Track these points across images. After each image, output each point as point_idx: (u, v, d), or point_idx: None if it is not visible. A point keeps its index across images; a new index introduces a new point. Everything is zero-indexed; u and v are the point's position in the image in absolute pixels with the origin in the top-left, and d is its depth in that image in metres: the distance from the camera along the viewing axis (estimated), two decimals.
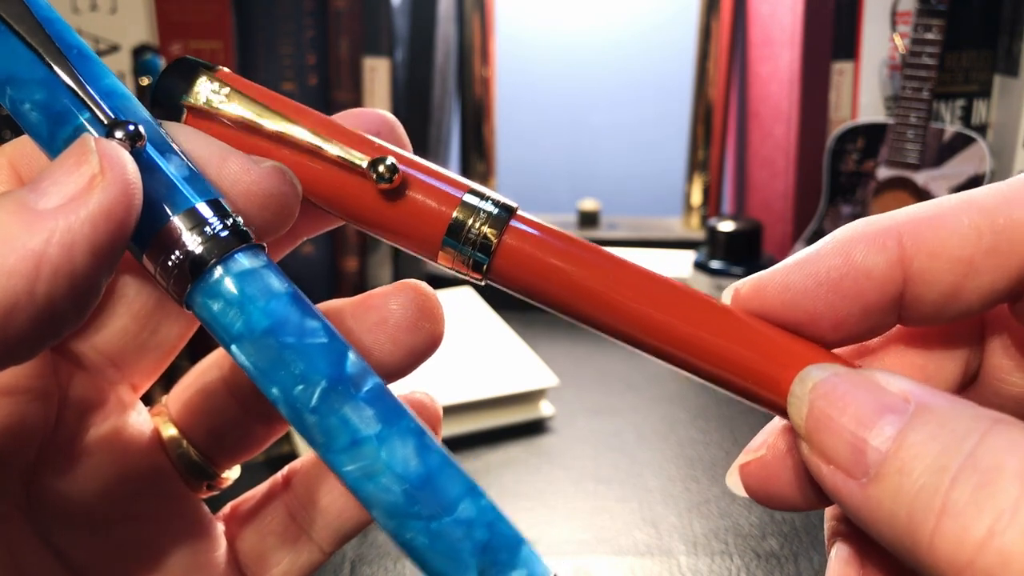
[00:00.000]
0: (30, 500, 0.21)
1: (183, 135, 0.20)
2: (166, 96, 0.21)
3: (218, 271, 0.18)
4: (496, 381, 0.68)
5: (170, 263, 0.18)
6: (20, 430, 0.20)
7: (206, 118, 0.21)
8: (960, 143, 0.82)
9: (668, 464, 0.65)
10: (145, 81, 0.64)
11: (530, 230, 0.21)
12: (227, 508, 0.25)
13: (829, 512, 0.21)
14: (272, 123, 0.21)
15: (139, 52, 0.65)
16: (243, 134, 0.21)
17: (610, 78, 1.06)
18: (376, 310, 0.22)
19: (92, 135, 0.18)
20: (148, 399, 0.24)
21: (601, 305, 0.20)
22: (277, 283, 0.19)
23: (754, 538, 0.56)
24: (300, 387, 0.18)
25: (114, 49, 0.84)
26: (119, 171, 0.17)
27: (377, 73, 0.90)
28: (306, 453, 0.25)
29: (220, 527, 0.25)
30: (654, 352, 0.21)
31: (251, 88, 0.22)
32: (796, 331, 0.20)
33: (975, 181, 0.82)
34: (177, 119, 0.21)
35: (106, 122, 0.18)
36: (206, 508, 0.25)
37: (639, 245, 0.96)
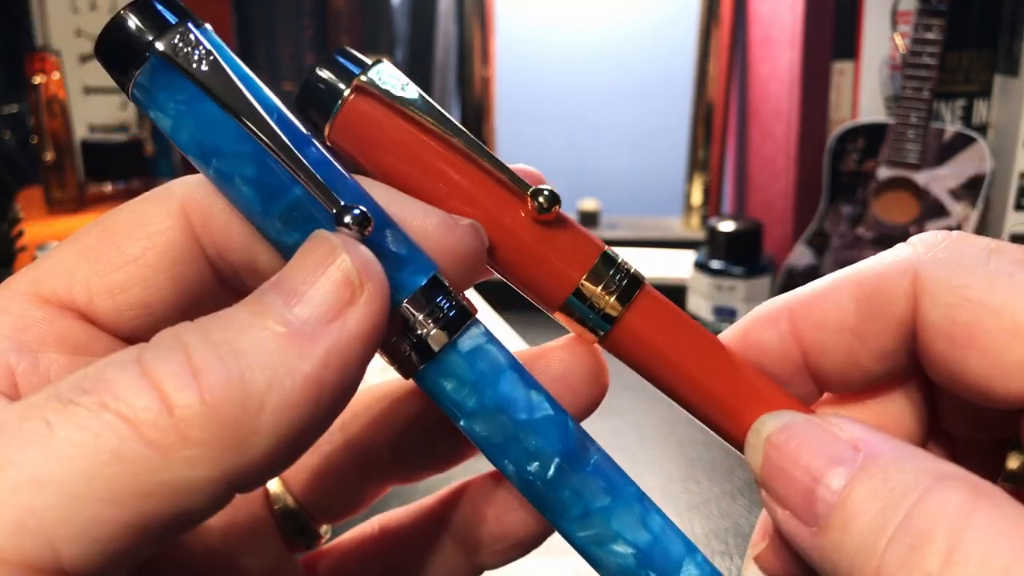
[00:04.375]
0: None
1: (378, 193, 0.19)
2: (334, 71, 0.20)
3: (450, 351, 0.18)
4: None
5: (403, 347, 0.18)
6: None
7: (371, 99, 0.20)
8: (961, 143, 0.82)
9: (668, 464, 0.64)
10: None
11: (654, 310, 0.21)
12: (313, 555, 0.25)
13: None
14: (449, 132, 0.20)
15: None
16: (404, 125, 0.20)
17: (610, 78, 1.05)
18: (558, 363, 0.22)
19: (328, 233, 0.17)
20: None
21: (701, 398, 0.21)
22: (501, 356, 0.19)
23: None
24: (535, 464, 0.19)
25: None
26: (377, 279, 0.17)
27: None
28: (402, 509, 0.24)
29: None
30: (731, 440, 0.21)
31: (427, 97, 0.21)
32: None
33: (976, 181, 0.82)
34: (333, 101, 0.20)
35: (333, 209, 0.17)
36: (300, 566, 0.24)
37: (639, 245, 0.96)
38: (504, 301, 0.71)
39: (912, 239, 0.20)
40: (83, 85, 0.93)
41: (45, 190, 0.85)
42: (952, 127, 0.83)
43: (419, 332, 0.18)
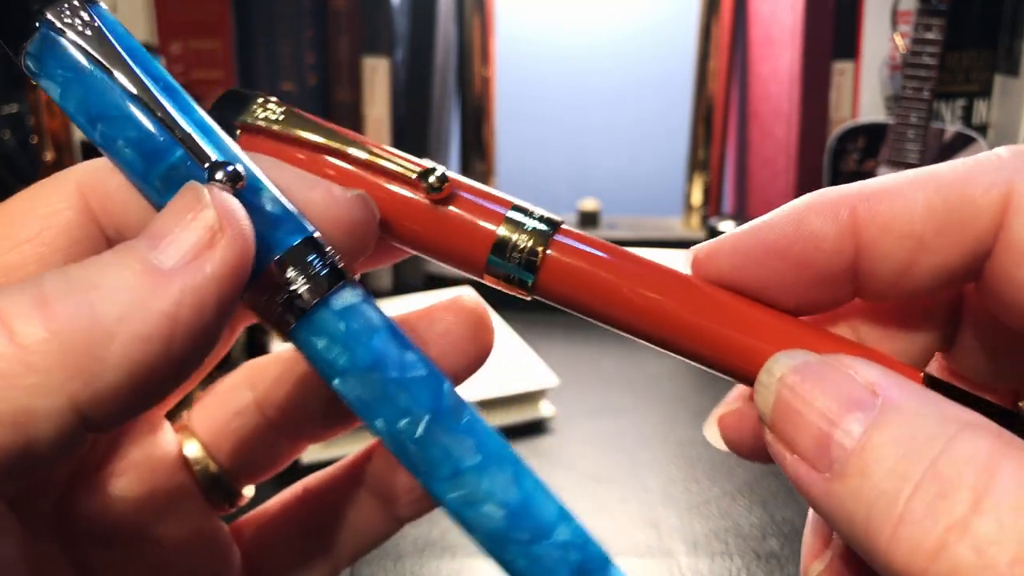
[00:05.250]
0: (59, 518, 0.21)
1: (264, 164, 0.20)
2: (218, 116, 0.21)
3: (322, 309, 0.19)
4: (496, 381, 0.68)
5: (275, 304, 0.19)
6: None
7: (261, 137, 0.22)
8: (961, 143, 0.82)
9: (668, 464, 0.64)
10: None
11: (573, 244, 0.21)
12: (239, 521, 0.25)
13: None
14: (328, 140, 0.21)
15: None
16: (298, 150, 0.22)
17: (610, 78, 1.05)
18: (440, 322, 0.22)
19: (199, 184, 0.18)
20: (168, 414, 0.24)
21: (644, 317, 0.20)
22: (376, 317, 0.19)
23: (754, 539, 0.56)
24: (405, 420, 0.19)
25: None
26: (238, 226, 0.17)
27: (377, 73, 0.90)
28: (324, 470, 0.25)
29: (235, 545, 0.25)
30: (689, 355, 0.21)
31: (303, 115, 0.22)
32: (749, 297, 0.20)
33: None
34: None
35: (206, 164, 0.18)
36: (224, 526, 0.25)
37: (639, 245, 0.96)
38: (504, 301, 0.71)
39: (1000, 149, 0.18)
40: None
41: None
42: (952, 127, 0.83)
43: (291, 289, 0.18)
